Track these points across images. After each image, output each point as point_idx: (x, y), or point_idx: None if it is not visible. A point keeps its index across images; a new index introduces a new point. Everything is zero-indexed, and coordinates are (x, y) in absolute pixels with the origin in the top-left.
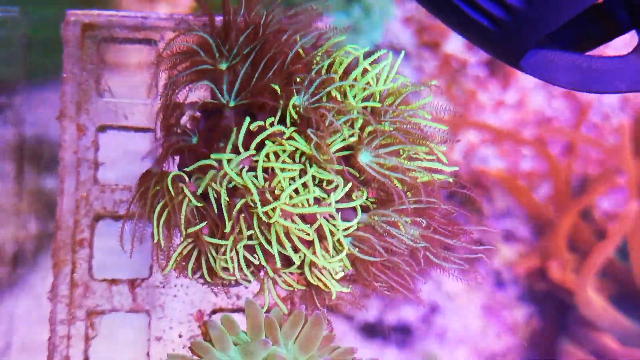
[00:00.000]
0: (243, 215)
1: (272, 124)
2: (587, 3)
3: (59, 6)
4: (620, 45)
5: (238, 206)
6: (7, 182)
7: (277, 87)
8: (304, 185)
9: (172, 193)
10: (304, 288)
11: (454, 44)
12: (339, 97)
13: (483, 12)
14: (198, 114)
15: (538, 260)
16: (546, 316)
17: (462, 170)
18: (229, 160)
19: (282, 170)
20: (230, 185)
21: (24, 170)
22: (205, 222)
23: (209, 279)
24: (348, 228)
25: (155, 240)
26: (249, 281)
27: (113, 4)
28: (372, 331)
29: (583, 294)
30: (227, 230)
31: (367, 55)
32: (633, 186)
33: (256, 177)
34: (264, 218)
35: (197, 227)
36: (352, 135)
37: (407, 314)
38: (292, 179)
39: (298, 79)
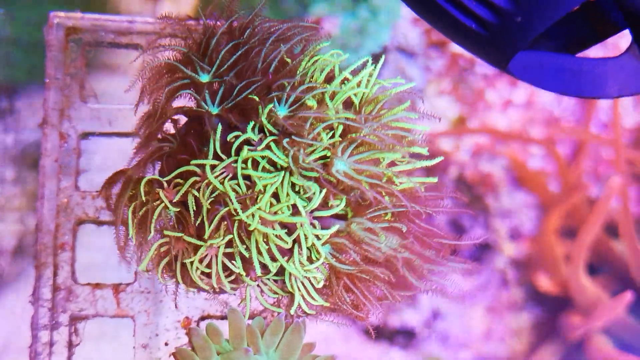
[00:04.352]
0: (225, 222)
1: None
2: (576, 2)
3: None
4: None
5: (221, 214)
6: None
7: (256, 98)
8: (284, 191)
9: (148, 197)
10: (287, 295)
11: None
12: (315, 106)
13: (470, 15)
14: (180, 120)
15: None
16: (549, 317)
17: (469, 170)
18: (212, 167)
19: (259, 178)
20: (214, 194)
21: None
22: (183, 230)
23: (181, 283)
24: (321, 236)
25: (122, 243)
26: (234, 289)
27: (113, 4)
28: (376, 333)
29: (576, 279)
30: (207, 236)
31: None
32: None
33: (238, 184)
34: (247, 220)
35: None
36: (329, 143)
37: (410, 317)
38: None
39: (278, 88)
